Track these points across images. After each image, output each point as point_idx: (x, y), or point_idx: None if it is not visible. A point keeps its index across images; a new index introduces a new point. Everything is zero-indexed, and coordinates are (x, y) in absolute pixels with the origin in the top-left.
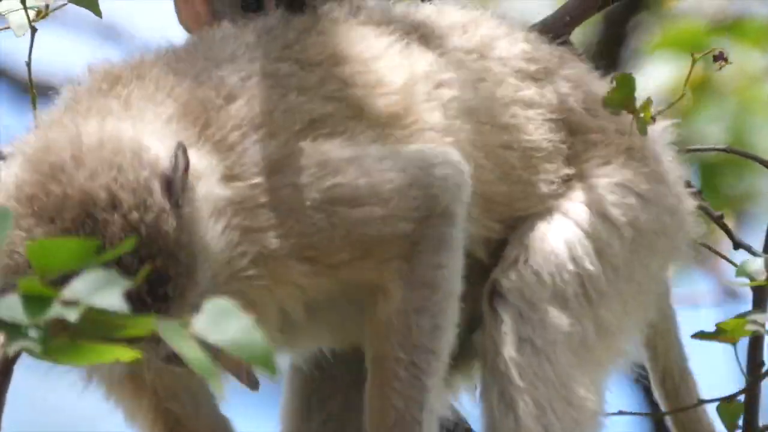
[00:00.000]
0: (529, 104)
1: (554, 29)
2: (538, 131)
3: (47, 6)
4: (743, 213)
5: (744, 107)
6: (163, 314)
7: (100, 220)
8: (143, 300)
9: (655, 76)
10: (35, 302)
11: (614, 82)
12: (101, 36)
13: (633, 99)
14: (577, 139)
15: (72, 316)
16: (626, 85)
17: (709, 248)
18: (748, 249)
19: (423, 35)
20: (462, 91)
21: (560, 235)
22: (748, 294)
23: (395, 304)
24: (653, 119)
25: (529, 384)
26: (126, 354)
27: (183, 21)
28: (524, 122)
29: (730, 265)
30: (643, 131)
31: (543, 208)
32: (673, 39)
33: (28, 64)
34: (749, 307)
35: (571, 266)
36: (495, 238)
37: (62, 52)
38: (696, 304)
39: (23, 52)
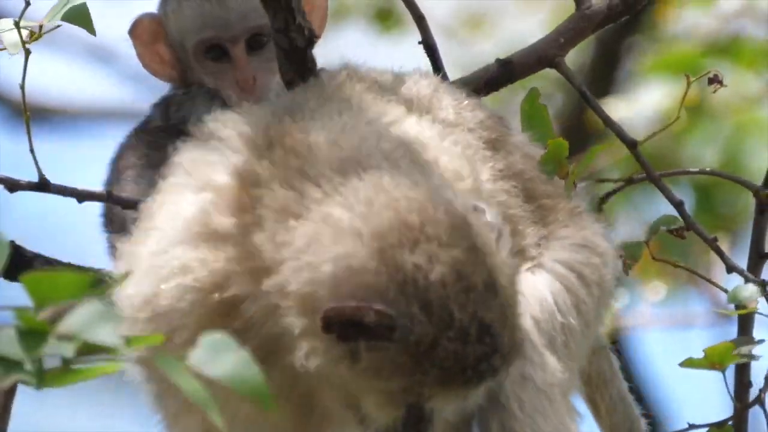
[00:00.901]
0: (503, 176)
1: (548, 51)
2: (515, 200)
3: (41, 27)
4: (738, 233)
5: (739, 129)
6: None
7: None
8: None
9: (650, 98)
10: (31, 337)
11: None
12: (96, 59)
13: (565, 164)
14: (534, 204)
15: (68, 352)
16: (558, 151)
17: (701, 276)
18: (741, 273)
19: (416, 108)
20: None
21: (547, 287)
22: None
23: None
24: (575, 185)
25: (529, 418)
26: (109, 369)
27: (147, 64)
28: (505, 195)
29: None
30: (569, 195)
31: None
32: (668, 61)
33: (22, 87)
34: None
35: (559, 317)
36: None
37: (56, 74)
38: (690, 326)
39: (17, 74)
